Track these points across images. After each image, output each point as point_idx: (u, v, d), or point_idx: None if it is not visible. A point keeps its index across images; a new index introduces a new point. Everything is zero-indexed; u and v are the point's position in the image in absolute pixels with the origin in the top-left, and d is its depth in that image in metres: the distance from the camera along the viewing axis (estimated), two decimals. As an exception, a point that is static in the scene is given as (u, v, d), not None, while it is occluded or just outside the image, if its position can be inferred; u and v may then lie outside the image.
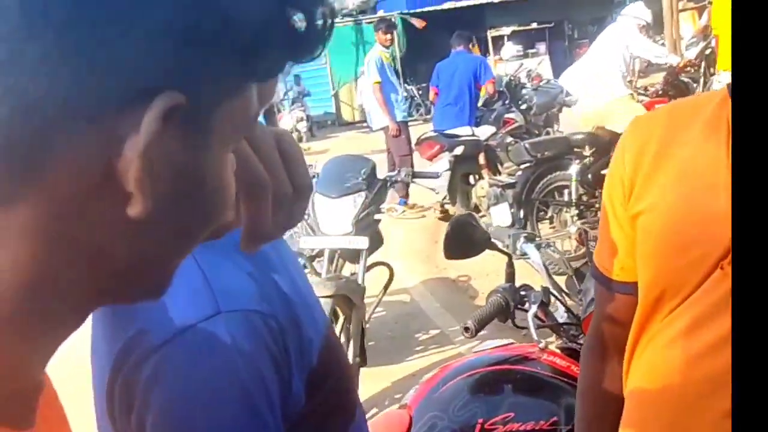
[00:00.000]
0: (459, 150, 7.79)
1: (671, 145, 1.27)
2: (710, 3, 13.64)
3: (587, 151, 6.38)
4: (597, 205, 6.37)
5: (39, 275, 0.48)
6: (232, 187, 0.55)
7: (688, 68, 9.13)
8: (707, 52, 10.21)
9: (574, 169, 6.32)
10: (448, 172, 7.61)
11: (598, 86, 6.76)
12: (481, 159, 8.03)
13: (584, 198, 6.39)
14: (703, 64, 10.01)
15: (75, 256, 0.49)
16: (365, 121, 12.95)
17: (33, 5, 0.43)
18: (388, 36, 9.33)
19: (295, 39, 0.52)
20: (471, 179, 8.06)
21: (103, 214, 0.48)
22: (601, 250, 1.43)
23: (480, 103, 9.52)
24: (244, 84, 0.52)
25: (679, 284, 1.24)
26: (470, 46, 9.15)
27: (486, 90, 8.95)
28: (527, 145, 6.46)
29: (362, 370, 4.26)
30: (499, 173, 7.96)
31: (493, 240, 2.88)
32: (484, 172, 8.00)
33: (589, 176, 6.34)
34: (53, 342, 0.52)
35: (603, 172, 6.27)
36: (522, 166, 6.51)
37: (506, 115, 9.01)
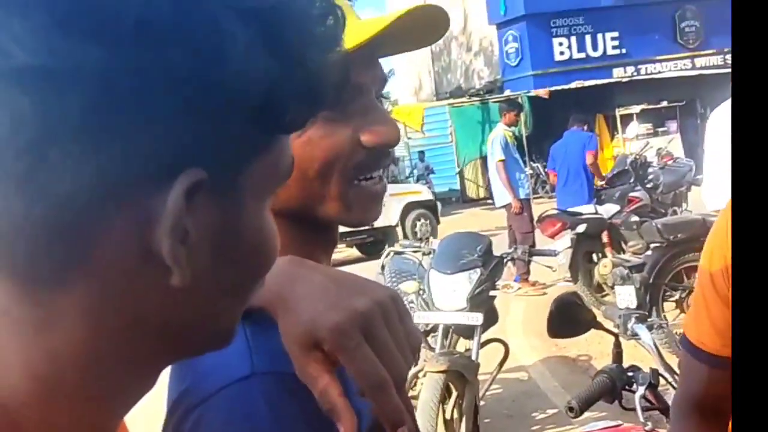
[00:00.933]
0: (581, 228, 7.73)
1: None
2: None
3: None
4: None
5: (97, 349, 0.51)
6: (273, 234, 0.58)
7: None
8: None
9: None
10: (569, 250, 7.55)
11: (725, 193, 6.35)
12: (605, 237, 7.93)
13: None
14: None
15: (130, 329, 0.52)
16: (490, 198, 13.03)
17: (49, 112, 0.46)
18: (513, 115, 9.45)
19: (312, 88, 0.54)
20: (594, 257, 7.97)
21: (149, 287, 0.51)
22: (698, 323, 1.41)
23: (603, 182, 9.44)
24: (268, 141, 0.54)
25: None
26: (584, 126, 9.12)
27: (587, 160, 8.88)
28: (660, 226, 6.24)
29: (476, 447, 4.24)
30: (623, 252, 7.82)
31: (603, 319, 2.86)
32: (608, 251, 7.89)
33: None
34: (123, 405, 0.56)
35: None
36: (652, 246, 6.32)
37: (631, 194, 8.88)
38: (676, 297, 6.24)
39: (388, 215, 13.17)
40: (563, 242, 7.57)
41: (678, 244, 6.14)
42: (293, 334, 0.74)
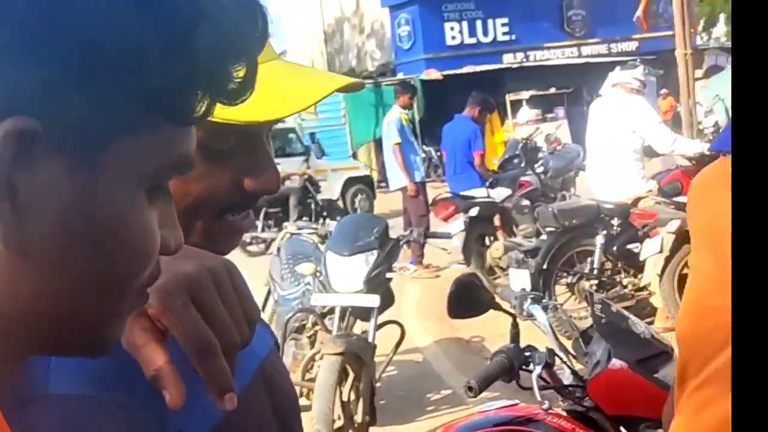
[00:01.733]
0: (474, 211, 7.84)
1: (711, 209, 1.31)
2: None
3: (615, 222, 6.18)
4: (617, 278, 6.30)
5: None
6: (144, 229, 0.53)
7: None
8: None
9: (599, 238, 6.16)
10: (463, 233, 7.66)
11: (614, 184, 6.38)
12: (496, 221, 8.08)
13: (607, 267, 6.27)
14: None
15: None
16: (384, 181, 13.13)
17: None
18: (407, 98, 9.48)
19: (194, 72, 0.51)
20: (486, 240, 8.11)
21: None
22: None
23: (496, 166, 9.61)
24: (142, 120, 0.50)
25: (699, 348, 1.27)
26: (478, 110, 9.20)
27: (475, 162, 8.98)
28: (556, 211, 6.29)
29: (372, 429, 4.26)
30: (514, 235, 8.00)
31: (500, 300, 2.91)
32: (499, 234, 8.05)
33: (615, 248, 6.19)
34: None
35: (629, 246, 6.17)
36: (546, 230, 6.41)
37: (522, 178, 9.06)
38: (568, 281, 6.36)
39: (331, 189, 13.86)
40: (456, 225, 7.67)
41: (572, 230, 6.23)
42: None
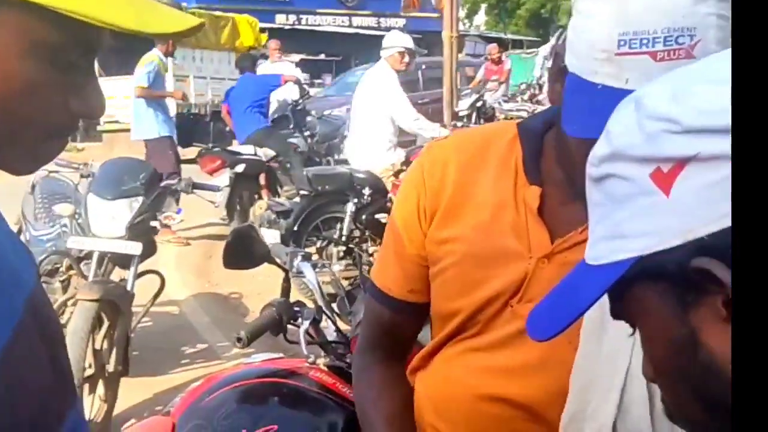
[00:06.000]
0: (240, 168, 7.79)
1: (469, 178, 1.35)
2: (486, 59, 14.68)
3: (367, 191, 6.27)
4: (365, 246, 6.41)
5: None
6: None
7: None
8: (478, 104, 11.04)
9: (350, 206, 6.23)
10: (227, 189, 7.58)
11: (366, 150, 6.62)
12: (262, 179, 8.07)
13: (355, 235, 6.38)
14: (474, 115, 10.73)
15: None
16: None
17: None
18: (172, 44, 8.92)
19: None
20: (250, 198, 8.08)
21: None
22: (386, 271, 1.47)
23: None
24: None
25: (472, 317, 1.34)
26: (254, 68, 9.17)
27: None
28: (310, 175, 6.33)
29: (124, 379, 4.14)
30: (279, 195, 8.04)
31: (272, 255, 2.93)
32: (264, 193, 8.04)
33: (364, 216, 6.28)
34: None
35: (377, 216, 6.26)
36: (301, 192, 6.47)
37: (289, 140, 9.10)
38: (317, 245, 6.39)
39: None
40: (222, 180, 7.59)
41: (324, 195, 6.30)
42: None
